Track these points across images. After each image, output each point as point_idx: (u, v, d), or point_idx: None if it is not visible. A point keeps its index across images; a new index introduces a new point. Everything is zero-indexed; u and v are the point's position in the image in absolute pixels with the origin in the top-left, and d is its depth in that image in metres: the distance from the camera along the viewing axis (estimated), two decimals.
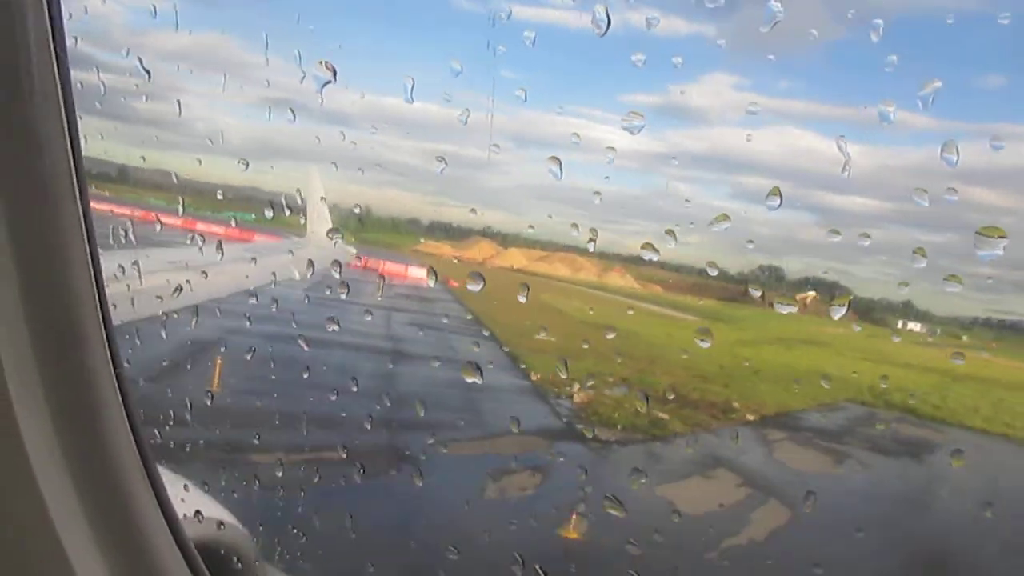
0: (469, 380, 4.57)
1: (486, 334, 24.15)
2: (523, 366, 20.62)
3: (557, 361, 19.53)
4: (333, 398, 9.51)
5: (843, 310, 3.08)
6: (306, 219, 19.33)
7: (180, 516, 3.10)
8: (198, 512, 3.47)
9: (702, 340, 4.60)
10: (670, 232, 3.65)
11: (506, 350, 22.21)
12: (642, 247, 3.62)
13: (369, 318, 23.28)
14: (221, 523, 3.61)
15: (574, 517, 11.30)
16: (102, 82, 3.60)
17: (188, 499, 3.57)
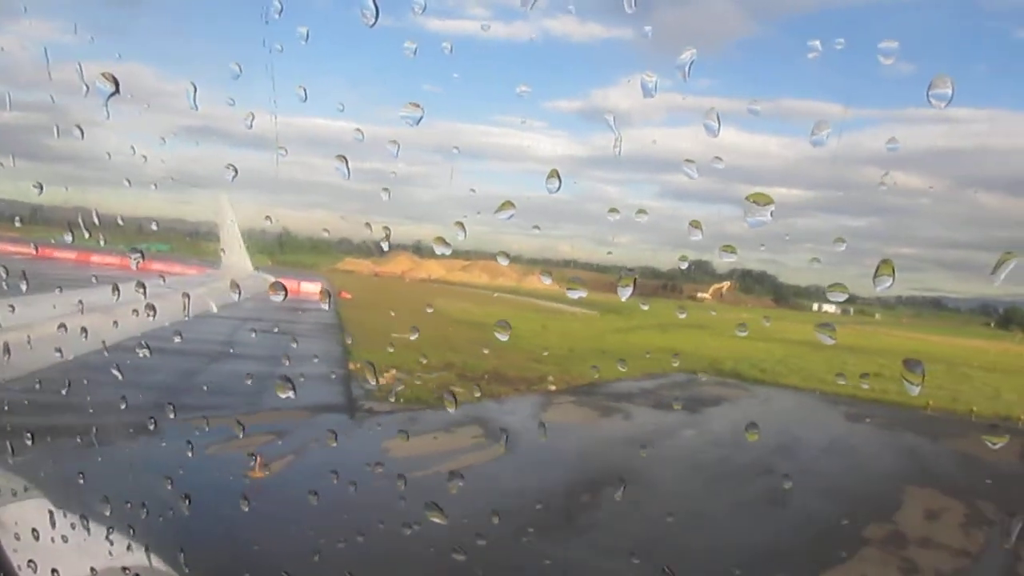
0: (283, 395, 4.47)
1: (348, 339, 25.55)
2: (351, 359, 21.67)
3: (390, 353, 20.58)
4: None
5: (628, 290, 2.90)
6: (221, 248, 19.47)
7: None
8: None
9: (500, 334, 4.73)
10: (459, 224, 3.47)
11: (344, 346, 23.83)
12: (435, 240, 3.53)
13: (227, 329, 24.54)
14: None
15: (258, 460, 12.46)
16: None
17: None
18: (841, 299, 2.50)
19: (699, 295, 45.22)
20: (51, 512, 3.63)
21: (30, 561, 2.98)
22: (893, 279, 2.16)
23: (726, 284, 45.84)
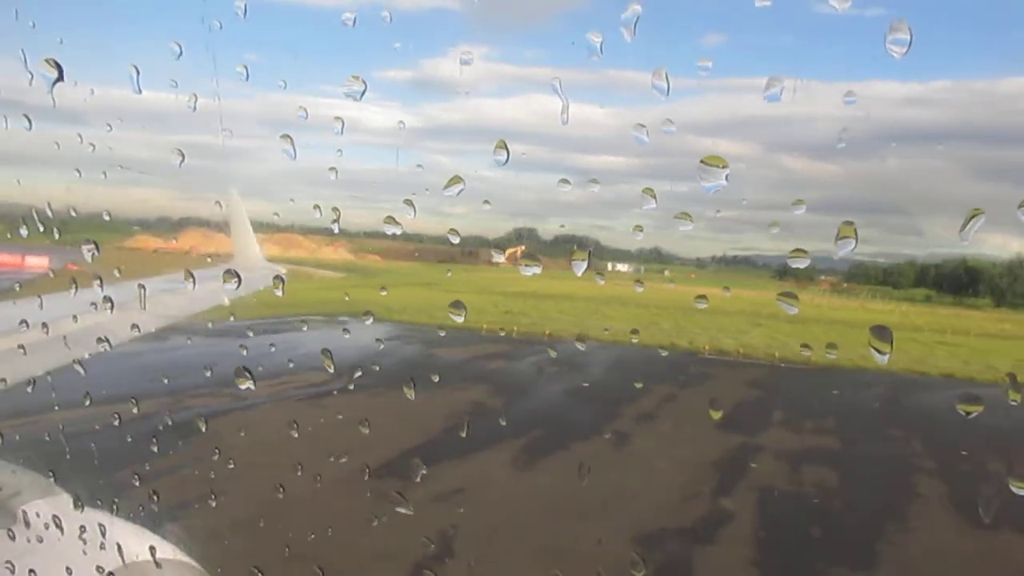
0: None
1: None
2: None
3: None
4: None
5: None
6: (233, 244, 18.39)
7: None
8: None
9: None
10: (408, 202, 3.53)
11: None
12: (385, 220, 3.53)
13: None
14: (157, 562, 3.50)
15: None
16: None
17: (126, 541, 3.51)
18: (803, 265, 2.55)
19: (494, 260, 47.59)
20: (72, 508, 3.67)
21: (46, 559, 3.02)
22: (856, 240, 2.24)
23: (520, 248, 48.09)
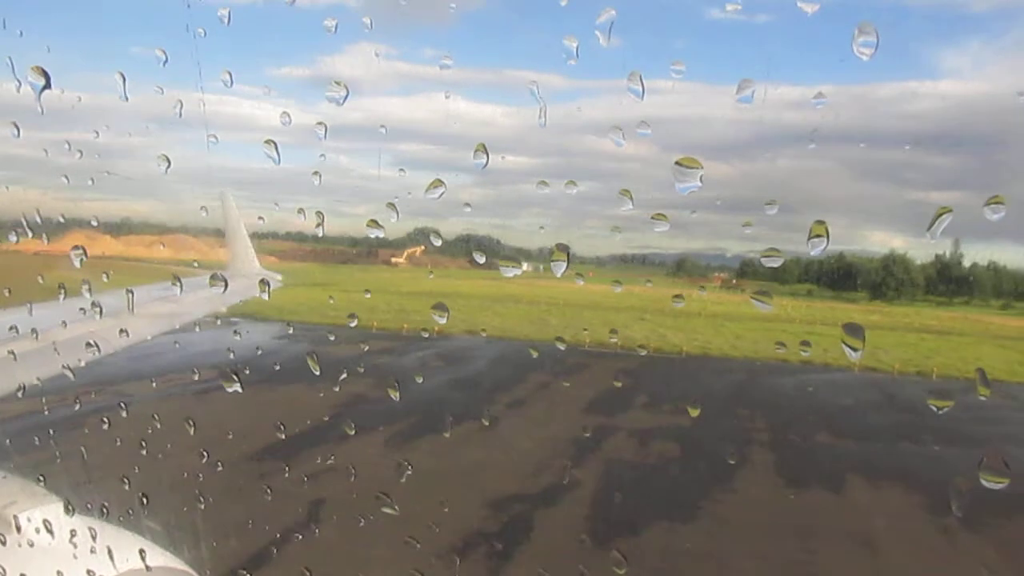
0: None
1: None
2: None
3: None
4: None
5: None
6: (229, 250, 17.00)
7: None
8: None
9: None
10: (391, 206, 3.48)
11: None
12: (368, 224, 3.51)
13: None
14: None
15: None
16: None
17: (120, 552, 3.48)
18: (776, 264, 2.52)
19: (393, 260, 47.72)
20: (66, 516, 3.69)
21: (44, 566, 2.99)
22: (827, 239, 2.18)
23: (419, 248, 48.61)
